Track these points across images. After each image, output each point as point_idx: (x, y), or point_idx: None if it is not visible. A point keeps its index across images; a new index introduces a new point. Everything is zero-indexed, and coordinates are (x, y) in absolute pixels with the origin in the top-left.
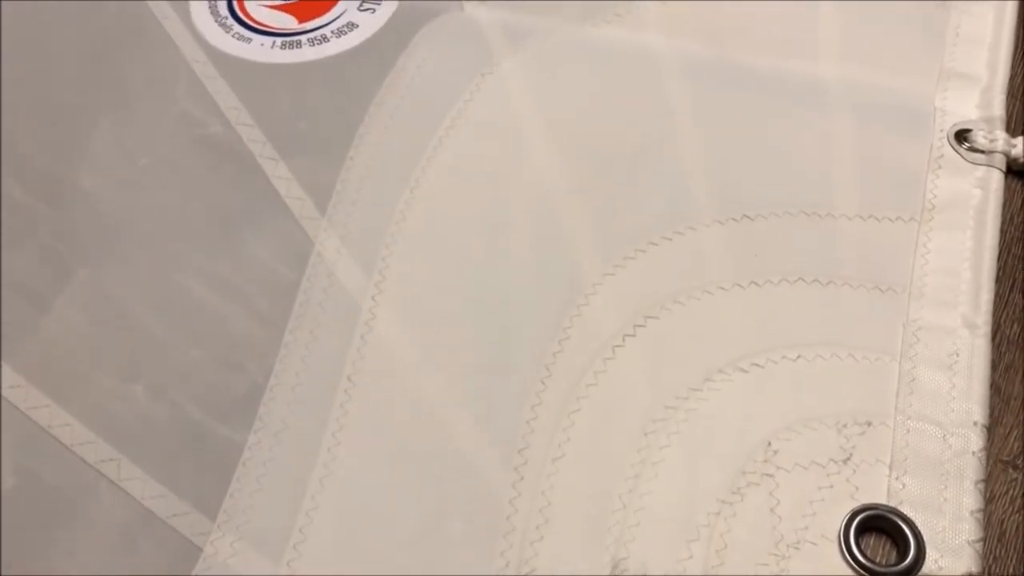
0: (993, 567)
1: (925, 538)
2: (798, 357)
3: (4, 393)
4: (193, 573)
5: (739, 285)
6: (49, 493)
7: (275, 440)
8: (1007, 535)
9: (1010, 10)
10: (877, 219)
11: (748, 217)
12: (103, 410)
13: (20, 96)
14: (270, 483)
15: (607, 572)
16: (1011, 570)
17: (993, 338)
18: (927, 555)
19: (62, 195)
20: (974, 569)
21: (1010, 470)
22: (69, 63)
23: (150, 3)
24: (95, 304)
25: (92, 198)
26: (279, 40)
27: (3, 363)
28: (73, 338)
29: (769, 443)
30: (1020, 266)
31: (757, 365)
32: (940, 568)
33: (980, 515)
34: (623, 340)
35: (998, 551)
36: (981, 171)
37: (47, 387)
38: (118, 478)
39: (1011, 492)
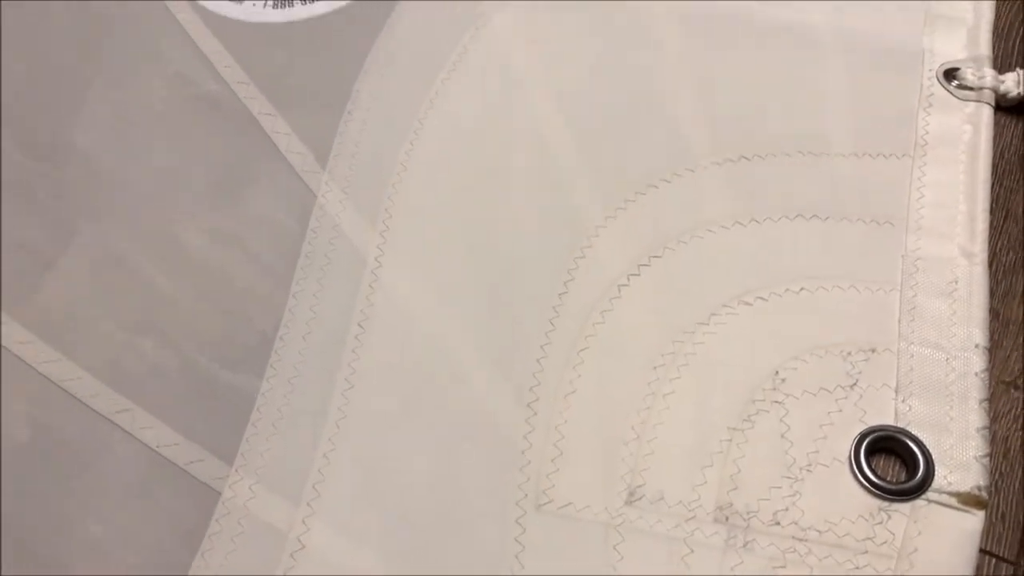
0: (1000, 482)
1: (934, 456)
2: (801, 290)
3: (14, 349)
4: (213, 517)
5: (739, 223)
6: (65, 445)
7: (288, 387)
8: (1012, 451)
9: None
10: (872, 156)
11: (745, 158)
12: (113, 363)
13: (14, 60)
14: (286, 427)
15: (624, 500)
16: (1017, 484)
17: (990, 266)
18: (936, 472)
19: (59, 156)
20: (982, 482)
21: (1012, 390)
22: (62, 27)
23: None
24: (99, 260)
25: (90, 158)
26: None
27: (11, 320)
28: (79, 294)
29: (777, 372)
30: (1013, 197)
31: (761, 299)
32: (949, 484)
33: (986, 432)
34: (628, 280)
35: (1004, 467)
36: (971, 107)
37: (56, 342)
38: (132, 428)
39: (1014, 410)
